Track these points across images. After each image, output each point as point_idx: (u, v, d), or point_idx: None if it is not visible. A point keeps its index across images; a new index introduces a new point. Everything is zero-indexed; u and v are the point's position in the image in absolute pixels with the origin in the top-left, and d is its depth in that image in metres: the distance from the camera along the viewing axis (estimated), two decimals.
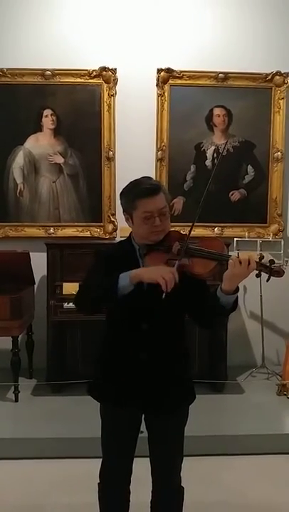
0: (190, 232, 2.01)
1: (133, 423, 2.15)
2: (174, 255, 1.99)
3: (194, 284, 2.01)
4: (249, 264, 1.87)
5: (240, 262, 1.86)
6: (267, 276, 1.93)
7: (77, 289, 2.12)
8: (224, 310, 1.97)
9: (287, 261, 4.53)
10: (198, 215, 2.08)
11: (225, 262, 1.94)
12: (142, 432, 2.19)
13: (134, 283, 1.90)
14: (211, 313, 2.02)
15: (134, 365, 1.93)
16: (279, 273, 1.92)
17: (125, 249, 2.12)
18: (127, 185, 2.09)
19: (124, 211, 2.09)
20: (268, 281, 1.95)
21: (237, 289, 1.95)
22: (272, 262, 1.94)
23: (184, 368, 2.17)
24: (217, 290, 1.96)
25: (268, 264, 1.93)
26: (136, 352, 1.90)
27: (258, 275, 1.94)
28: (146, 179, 2.08)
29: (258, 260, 1.93)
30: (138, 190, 2.02)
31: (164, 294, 1.85)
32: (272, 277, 1.93)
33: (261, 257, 1.96)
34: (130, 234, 2.14)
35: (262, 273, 1.93)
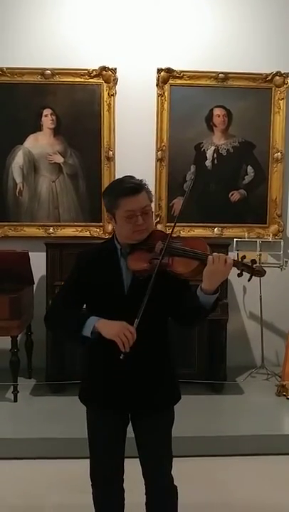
0: (172, 231, 2.01)
1: (120, 424, 2.14)
2: (156, 254, 1.98)
3: (176, 284, 2.01)
4: (226, 261, 1.87)
5: (218, 259, 1.87)
6: (249, 276, 1.93)
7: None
8: (203, 309, 1.95)
9: (286, 261, 4.53)
10: (179, 215, 2.13)
11: (207, 262, 1.93)
12: None
13: (94, 336, 1.93)
14: (190, 312, 2.01)
15: (117, 366, 1.92)
16: (260, 273, 1.93)
17: (107, 249, 2.11)
18: (108, 185, 2.09)
19: (107, 211, 2.08)
20: (249, 280, 1.96)
21: (217, 290, 1.94)
22: (253, 261, 1.95)
23: (167, 368, 2.16)
24: (197, 289, 1.95)
25: (250, 264, 1.93)
26: (119, 353, 1.90)
27: (240, 275, 1.95)
28: (129, 178, 2.05)
29: (238, 260, 1.93)
30: (120, 189, 1.99)
31: (121, 354, 1.87)
32: (253, 277, 1.94)
33: (243, 257, 1.97)
34: (113, 233, 2.13)
35: (243, 272, 1.94)
